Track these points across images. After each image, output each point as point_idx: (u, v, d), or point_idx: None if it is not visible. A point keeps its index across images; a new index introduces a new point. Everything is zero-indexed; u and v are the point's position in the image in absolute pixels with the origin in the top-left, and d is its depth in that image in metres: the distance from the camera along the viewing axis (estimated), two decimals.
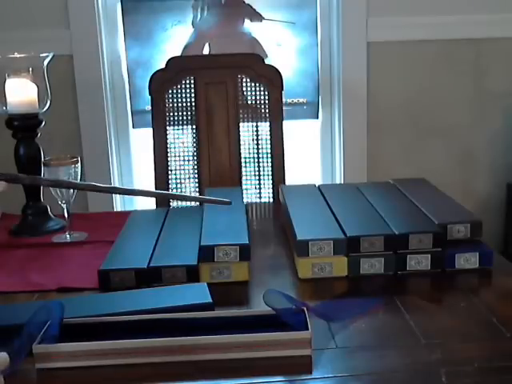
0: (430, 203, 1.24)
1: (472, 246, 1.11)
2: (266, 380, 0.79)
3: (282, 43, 2.45)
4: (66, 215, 1.33)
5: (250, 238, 1.12)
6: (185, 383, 0.80)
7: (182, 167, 1.84)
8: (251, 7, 2.42)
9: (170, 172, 1.83)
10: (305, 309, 0.88)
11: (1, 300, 1.05)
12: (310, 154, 2.50)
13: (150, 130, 1.83)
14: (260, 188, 1.84)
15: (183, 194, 0.86)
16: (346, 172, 2.36)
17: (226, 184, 1.78)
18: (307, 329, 0.83)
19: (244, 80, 1.82)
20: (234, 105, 1.82)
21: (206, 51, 2.45)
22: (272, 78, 1.81)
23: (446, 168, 2.38)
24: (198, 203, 1.82)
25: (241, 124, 1.83)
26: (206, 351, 0.81)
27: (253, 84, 1.82)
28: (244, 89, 1.83)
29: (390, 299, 0.99)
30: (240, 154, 1.83)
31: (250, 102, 1.83)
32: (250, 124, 1.84)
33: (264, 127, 1.83)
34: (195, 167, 1.84)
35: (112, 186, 0.90)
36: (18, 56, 1.39)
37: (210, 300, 0.95)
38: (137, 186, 2.45)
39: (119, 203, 2.40)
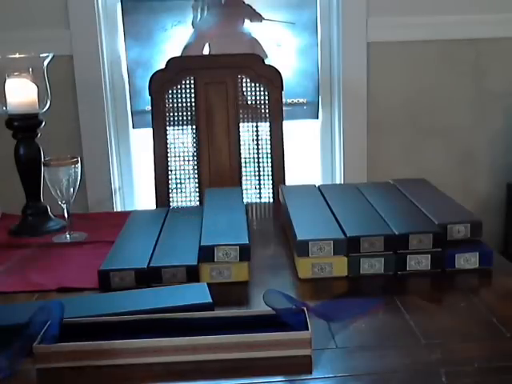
0: (430, 203, 1.24)
1: (472, 246, 1.11)
2: (266, 380, 0.79)
3: (281, 43, 2.45)
4: (66, 215, 1.33)
5: (250, 238, 1.12)
6: (185, 383, 0.80)
7: (182, 167, 1.84)
8: (251, 7, 2.42)
9: (170, 172, 1.83)
10: (305, 309, 0.88)
11: (1, 300, 1.05)
12: (310, 153, 2.50)
13: (150, 130, 1.83)
14: (260, 188, 1.84)
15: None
16: (346, 172, 2.36)
17: (226, 184, 1.78)
18: (307, 329, 0.83)
19: (244, 80, 1.82)
20: (234, 105, 1.82)
21: (206, 51, 2.45)
22: (272, 78, 1.81)
23: (445, 168, 2.38)
24: (198, 203, 1.84)
25: (241, 124, 1.83)
26: (206, 351, 0.81)
27: (253, 84, 1.82)
28: (244, 89, 1.83)
29: (390, 299, 0.99)
30: (240, 154, 1.83)
31: (250, 102, 1.83)
32: (250, 124, 1.84)
33: (264, 127, 1.83)
34: (195, 167, 1.84)
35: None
36: (18, 56, 1.39)
37: (209, 300, 0.95)
38: (137, 186, 2.45)
39: (119, 203, 2.40)
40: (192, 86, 1.82)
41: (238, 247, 1.07)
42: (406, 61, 2.31)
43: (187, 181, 1.85)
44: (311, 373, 0.80)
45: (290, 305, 0.89)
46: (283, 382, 0.80)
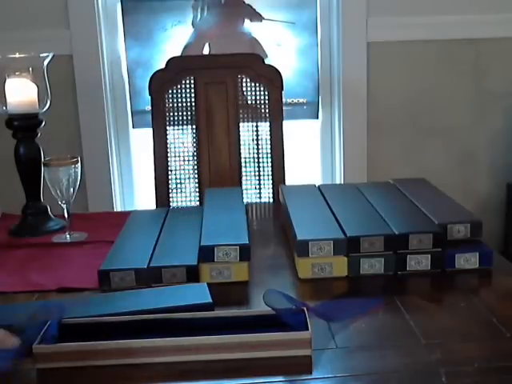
0: (430, 203, 1.24)
1: (472, 246, 1.11)
2: (266, 380, 0.79)
3: (281, 43, 2.45)
4: (65, 215, 1.33)
5: (250, 238, 1.12)
6: (185, 383, 0.80)
7: (182, 167, 1.84)
8: (251, 7, 2.42)
9: (170, 172, 1.83)
10: (305, 309, 0.88)
11: (1, 300, 1.05)
12: (310, 154, 2.50)
13: (150, 130, 1.83)
14: (260, 188, 1.84)
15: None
16: (346, 172, 2.36)
17: (226, 184, 1.78)
18: (307, 329, 0.83)
19: (244, 80, 1.82)
20: (234, 105, 1.82)
21: (206, 51, 2.45)
22: (272, 78, 1.81)
23: (445, 168, 2.38)
24: (198, 203, 1.84)
25: (241, 124, 1.83)
26: (205, 351, 0.81)
27: (253, 84, 1.82)
28: (244, 89, 1.83)
29: (390, 299, 0.99)
30: (240, 154, 1.83)
31: (250, 102, 1.83)
32: (250, 124, 1.84)
33: (264, 127, 1.83)
34: (195, 167, 1.84)
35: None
36: (18, 56, 1.39)
37: (210, 300, 0.95)
38: (137, 186, 2.45)
39: (119, 203, 2.40)
40: (192, 85, 1.82)
41: (238, 247, 1.07)
42: (406, 61, 2.31)
43: (187, 181, 1.85)
44: (311, 373, 0.80)
45: (289, 305, 0.89)
46: (283, 382, 0.80)
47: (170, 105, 1.82)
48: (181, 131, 1.84)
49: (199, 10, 2.43)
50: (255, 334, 0.82)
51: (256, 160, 1.83)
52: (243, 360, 0.81)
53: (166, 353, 0.81)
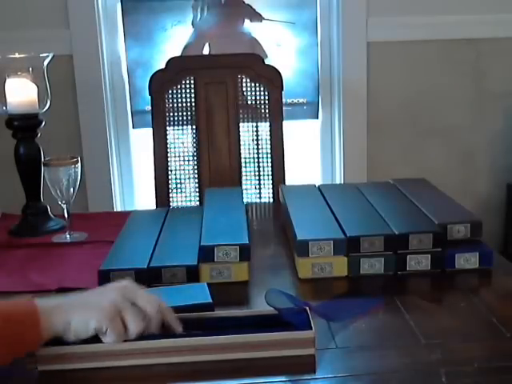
0: (430, 203, 1.24)
1: (472, 246, 1.11)
2: (269, 380, 0.79)
3: (281, 43, 2.45)
4: (65, 215, 1.33)
5: (250, 238, 1.12)
6: (184, 383, 0.80)
7: (182, 167, 1.84)
8: (251, 7, 2.42)
9: (170, 172, 1.83)
10: (307, 308, 0.88)
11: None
12: (310, 154, 2.50)
13: (150, 130, 1.83)
14: (260, 188, 1.84)
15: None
16: (346, 172, 2.36)
17: (226, 184, 1.78)
18: (310, 328, 0.83)
19: (244, 80, 1.82)
20: (234, 105, 1.82)
21: (206, 51, 2.45)
22: (272, 78, 1.81)
23: (445, 168, 2.38)
24: (198, 203, 1.84)
25: (241, 124, 1.83)
26: (206, 351, 0.81)
27: (253, 84, 1.82)
28: (244, 89, 1.83)
29: (390, 299, 0.99)
30: (240, 154, 1.83)
31: (249, 102, 1.83)
32: (250, 124, 1.84)
33: (264, 127, 1.83)
34: (195, 167, 1.84)
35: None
36: (18, 56, 1.39)
37: (210, 300, 0.95)
38: (137, 186, 2.45)
39: (119, 203, 2.40)
40: (192, 86, 1.82)
41: (237, 247, 1.07)
42: (406, 61, 2.31)
43: (187, 181, 1.85)
44: (315, 372, 0.80)
45: (291, 304, 0.89)
46: (286, 382, 0.80)
47: (170, 105, 1.82)
48: (181, 131, 1.84)
49: (199, 10, 2.43)
50: (258, 334, 0.82)
51: (256, 160, 1.83)
52: (246, 360, 0.81)
53: (165, 353, 0.81)
